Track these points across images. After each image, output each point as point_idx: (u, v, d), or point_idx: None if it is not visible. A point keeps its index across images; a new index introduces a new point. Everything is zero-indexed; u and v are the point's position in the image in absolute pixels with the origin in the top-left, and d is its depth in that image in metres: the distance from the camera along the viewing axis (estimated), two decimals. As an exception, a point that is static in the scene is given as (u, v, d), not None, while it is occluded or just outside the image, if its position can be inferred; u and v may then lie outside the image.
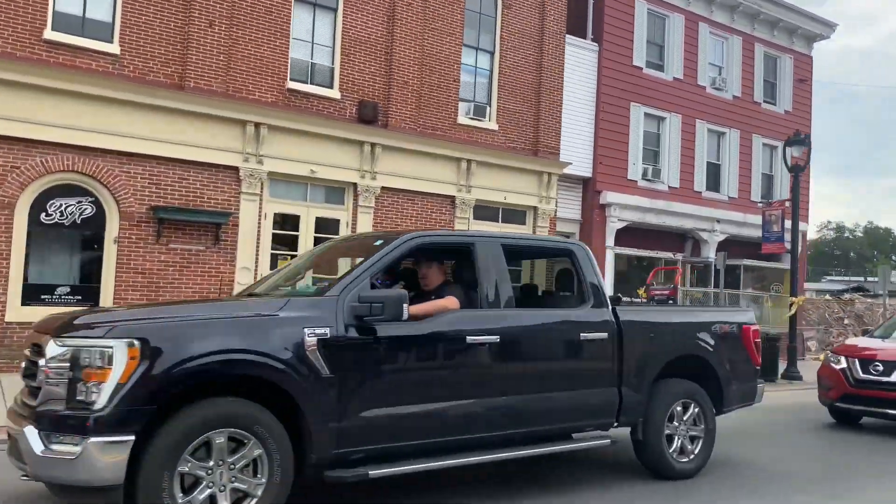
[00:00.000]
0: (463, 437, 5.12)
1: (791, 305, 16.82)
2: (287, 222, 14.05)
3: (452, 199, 15.99)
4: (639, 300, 19.55)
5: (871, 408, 9.35)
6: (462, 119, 16.34)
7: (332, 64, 14.69)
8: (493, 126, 16.82)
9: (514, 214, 17.24)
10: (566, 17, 17.89)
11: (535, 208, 17.32)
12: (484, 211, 16.73)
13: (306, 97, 14.22)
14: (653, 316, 6.50)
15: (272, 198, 13.75)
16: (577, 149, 18.40)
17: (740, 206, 21.63)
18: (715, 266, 19.79)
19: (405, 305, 4.65)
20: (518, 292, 6.89)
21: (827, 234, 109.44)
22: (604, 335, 5.87)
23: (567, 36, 18.08)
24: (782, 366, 15.48)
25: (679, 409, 6.40)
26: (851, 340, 11.93)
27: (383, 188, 14.94)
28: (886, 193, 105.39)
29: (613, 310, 6.08)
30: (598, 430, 5.99)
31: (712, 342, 6.66)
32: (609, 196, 18.57)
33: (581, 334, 5.78)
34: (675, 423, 6.38)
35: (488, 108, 16.81)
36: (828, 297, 35.62)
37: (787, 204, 17.15)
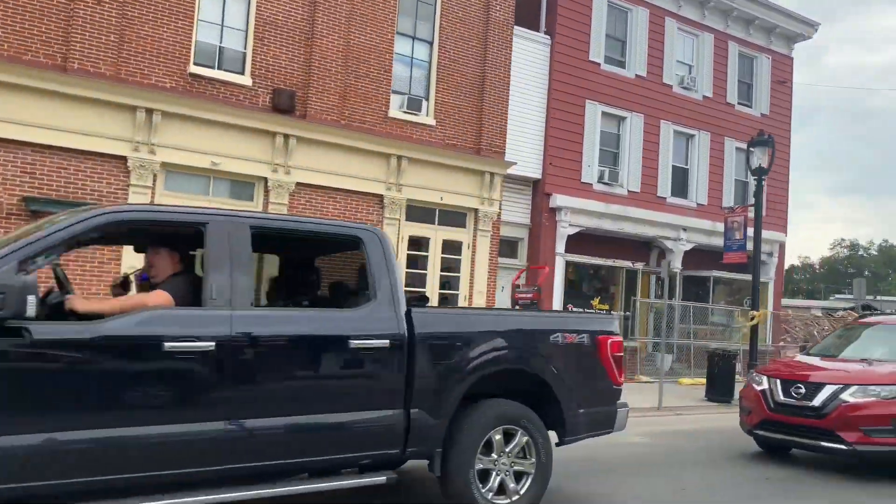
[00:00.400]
0: (152, 473, 3.90)
1: (752, 319, 15.50)
2: (188, 219, 12.89)
3: (381, 197, 14.80)
4: (592, 311, 18.28)
5: (789, 436, 8.04)
6: (395, 112, 15.18)
7: (244, 49, 13.57)
8: (430, 121, 15.64)
9: (453, 217, 16.02)
10: (514, 6, 16.73)
11: (475, 210, 16.09)
12: (418, 212, 15.52)
13: (211, 83, 13.10)
14: (463, 321, 5.26)
15: (168, 191, 12.61)
16: (525, 148, 17.19)
17: (710, 214, 20.31)
18: (659, 276, 18.48)
19: (30, 298, 3.46)
20: (326, 291, 5.71)
21: (840, 251, 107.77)
22: (384, 343, 4.65)
23: (516, 27, 16.92)
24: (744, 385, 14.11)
25: (499, 437, 5.15)
26: (785, 358, 10.63)
27: (299, 184, 13.78)
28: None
29: (408, 312, 4.85)
30: (379, 463, 4.74)
31: (552, 355, 5.41)
32: (559, 199, 17.32)
33: (351, 342, 4.56)
34: (494, 456, 5.13)
35: (425, 102, 15.64)
36: (817, 312, 34.12)
37: (753, 209, 15.86)
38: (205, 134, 12.79)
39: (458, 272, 16.03)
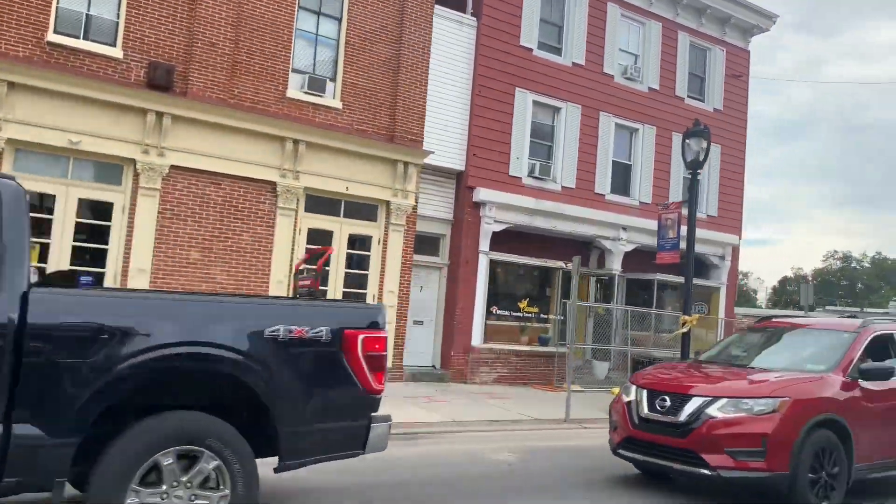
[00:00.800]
0: None
1: (683, 325, 14.30)
2: (45, 202, 11.61)
3: (274, 185, 13.53)
4: (518, 314, 17.06)
5: (652, 458, 6.77)
6: (294, 93, 13.92)
7: (116, 17, 12.31)
8: (336, 104, 14.39)
9: (362, 209, 14.75)
10: (435, -16, 15.53)
11: (387, 203, 14.82)
12: (321, 203, 14.26)
13: (75, 54, 11.83)
14: (117, 307, 3.99)
15: (18, 172, 11.29)
16: (448, 138, 15.95)
17: (654, 213, 19.03)
18: (586, 277, 17.23)
19: None
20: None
21: (833, 263, 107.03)
22: (-32, 333, 3.38)
23: (438, 7, 15.70)
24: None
25: (170, 462, 3.87)
26: (673, 364, 9.39)
27: (174, 167, 12.50)
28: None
29: (24, 296, 3.58)
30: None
31: (263, 353, 4.15)
32: (483, 193, 16.06)
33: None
34: (164, 487, 3.85)
35: (331, 83, 14.41)
36: (786, 322, 32.98)
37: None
38: (63, 109, 11.51)
39: (368, 269, 14.75)
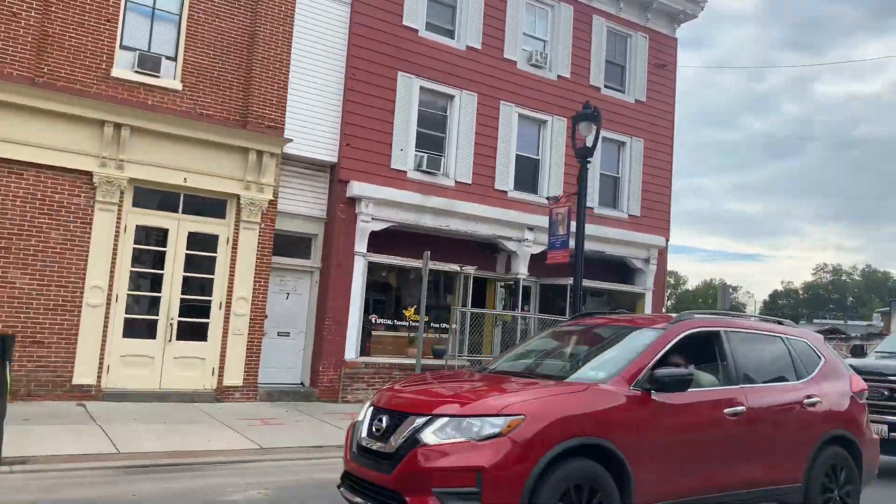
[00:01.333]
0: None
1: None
2: None
3: (90, 175, 11.79)
4: (405, 324, 15.33)
5: (358, 500, 5.01)
6: (121, 72, 12.24)
7: None
8: (176, 85, 12.72)
9: (206, 204, 13.03)
10: (298, -45, 13.93)
11: (237, 197, 13.11)
12: (154, 197, 12.55)
13: None
14: None
15: None
16: (319, 126, 14.27)
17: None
18: (465, 277, 15.49)
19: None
20: None
21: (823, 276, 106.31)
22: None
23: (304, -19, 14.11)
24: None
25: None
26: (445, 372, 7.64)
27: (-41, 154, 10.78)
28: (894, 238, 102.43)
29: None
30: None
31: None
32: (358, 188, 14.36)
33: None
34: None
35: (169, 62, 12.75)
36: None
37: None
38: None
39: (214, 273, 12.99)
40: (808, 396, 6.25)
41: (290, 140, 13.55)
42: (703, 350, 5.96)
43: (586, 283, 17.52)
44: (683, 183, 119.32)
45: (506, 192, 16.57)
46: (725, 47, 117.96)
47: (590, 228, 17.43)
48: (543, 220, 16.78)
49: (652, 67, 19.38)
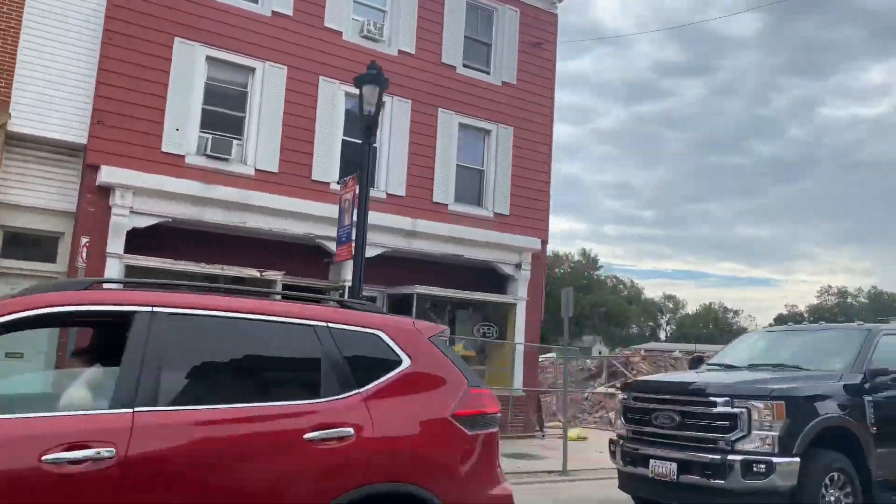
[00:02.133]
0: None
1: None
2: None
3: None
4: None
5: None
6: None
7: None
8: None
9: None
10: None
11: (-66, 183, 10.48)
12: None
13: None
14: None
15: None
16: (60, 99, 11.69)
17: (409, 209, 14.79)
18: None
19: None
20: None
21: (828, 299, 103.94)
22: None
23: (44, -74, 11.64)
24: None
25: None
26: None
27: None
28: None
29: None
30: None
31: None
32: (110, 174, 11.71)
33: None
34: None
35: None
36: (677, 354, 28.69)
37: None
38: None
39: None
40: (322, 426, 3.47)
41: (9, 116, 10.94)
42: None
43: (426, 290, 14.87)
44: (692, 208, 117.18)
45: (327, 184, 13.93)
46: (728, 72, 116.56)
47: (443, 228, 14.90)
48: (383, 219, 14.17)
49: (525, 46, 16.86)
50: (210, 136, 12.71)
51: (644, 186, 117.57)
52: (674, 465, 6.63)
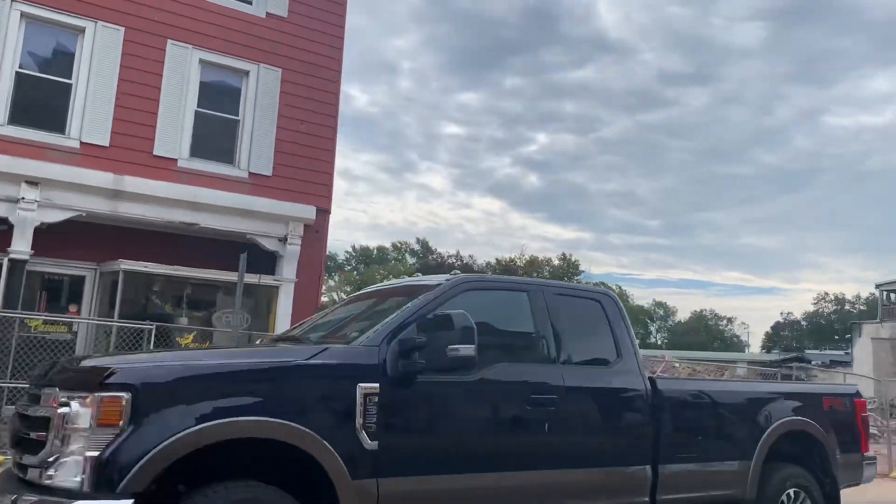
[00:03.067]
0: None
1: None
2: None
3: None
4: None
5: None
6: None
7: None
8: None
9: None
10: None
11: None
12: None
13: None
14: None
15: None
16: None
17: (118, 162, 11.77)
18: None
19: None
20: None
21: (824, 306, 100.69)
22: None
23: None
24: None
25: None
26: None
27: None
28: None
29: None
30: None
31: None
32: None
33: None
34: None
35: None
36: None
37: None
38: None
39: None
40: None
41: None
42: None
43: (153, 269, 11.85)
44: (698, 217, 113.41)
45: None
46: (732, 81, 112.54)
47: (164, 189, 11.89)
48: (73, 173, 11.16)
49: (305, -27, 13.85)
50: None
51: (649, 195, 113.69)
52: None
